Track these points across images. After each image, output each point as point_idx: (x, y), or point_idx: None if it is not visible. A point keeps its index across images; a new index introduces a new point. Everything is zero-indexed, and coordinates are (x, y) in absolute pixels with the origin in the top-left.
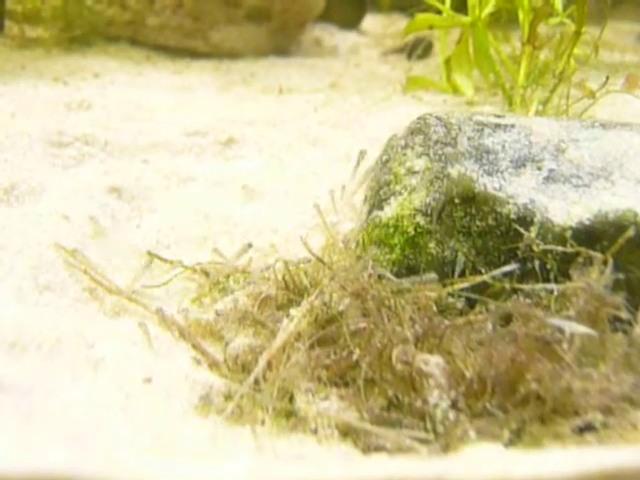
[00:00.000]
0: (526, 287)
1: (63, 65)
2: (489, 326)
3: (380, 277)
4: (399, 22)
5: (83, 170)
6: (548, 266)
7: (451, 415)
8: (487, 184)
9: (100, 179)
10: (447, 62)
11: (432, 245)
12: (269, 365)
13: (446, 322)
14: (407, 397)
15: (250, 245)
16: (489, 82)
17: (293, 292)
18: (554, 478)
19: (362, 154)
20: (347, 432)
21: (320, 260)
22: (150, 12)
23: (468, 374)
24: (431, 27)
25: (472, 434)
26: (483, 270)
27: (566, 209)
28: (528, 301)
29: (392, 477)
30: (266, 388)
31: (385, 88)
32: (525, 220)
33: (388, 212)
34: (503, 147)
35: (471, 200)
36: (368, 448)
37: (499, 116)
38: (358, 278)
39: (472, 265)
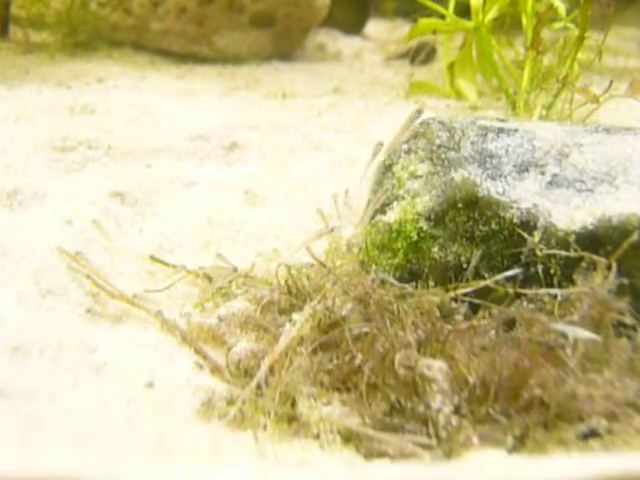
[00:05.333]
0: (529, 292)
1: (67, 70)
2: (492, 331)
3: (383, 282)
4: (402, 27)
5: (86, 175)
6: (551, 271)
7: (454, 420)
8: (490, 188)
9: (103, 183)
10: (450, 67)
11: (435, 250)
12: (271, 370)
13: (449, 327)
14: (410, 402)
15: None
16: (492, 87)
17: (296, 297)
18: None
19: (379, 146)
20: (349, 437)
21: (323, 265)
22: (154, 17)
23: (471, 379)
24: (434, 32)
25: (475, 440)
26: (486, 275)
27: (570, 214)
28: (531, 306)
29: None
30: (268, 393)
31: (388, 93)
32: (528, 225)
33: (391, 216)
34: (506, 152)
35: (474, 204)
36: (370, 453)
37: (502, 121)
38: (361, 283)
39: (475, 270)
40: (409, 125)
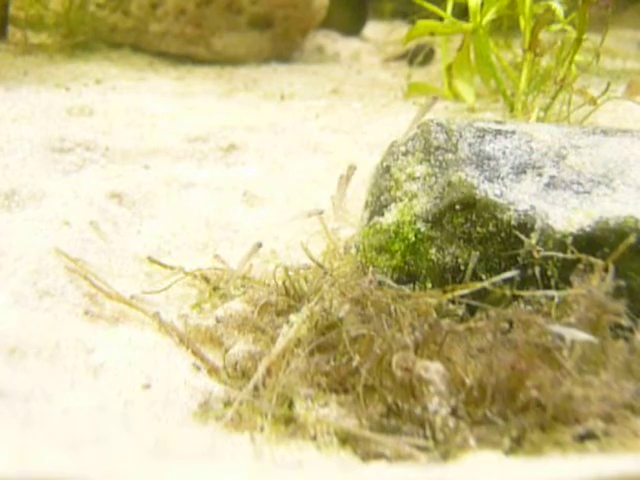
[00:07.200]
0: (527, 294)
1: (65, 71)
2: (489, 333)
3: (380, 283)
4: (401, 29)
5: (84, 176)
6: (549, 273)
7: (451, 422)
8: (488, 190)
9: (101, 185)
10: (448, 69)
11: (433, 251)
12: (268, 371)
13: (446, 329)
14: (407, 404)
15: (260, 245)
16: (490, 89)
17: (293, 298)
18: None
19: (351, 169)
20: (346, 439)
21: (320, 266)
22: (152, 19)
23: (468, 381)
24: (432, 34)
25: (472, 442)
26: (484, 276)
27: (567, 216)
28: (529, 308)
29: None
30: (265, 394)
31: (386, 95)
32: (526, 226)
33: (389, 218)
34: (504, 153)
35: (472, 206)
36: (367, 455)
37: (500, 122)
38: (359, 284)
39: (473, 271)
40: (424, 112)
